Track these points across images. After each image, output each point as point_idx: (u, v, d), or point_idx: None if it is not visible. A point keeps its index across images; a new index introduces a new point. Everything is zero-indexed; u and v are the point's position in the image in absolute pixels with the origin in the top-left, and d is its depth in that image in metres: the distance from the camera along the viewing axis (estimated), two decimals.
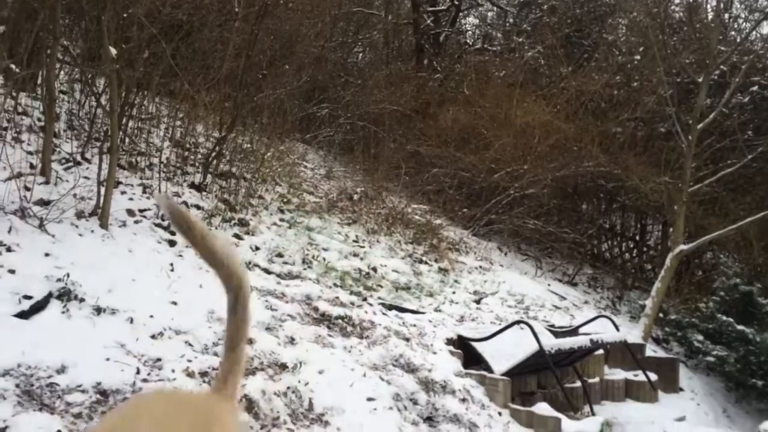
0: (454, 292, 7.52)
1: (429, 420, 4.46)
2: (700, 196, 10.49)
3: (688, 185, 9.55)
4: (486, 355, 5.74)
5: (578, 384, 6.47)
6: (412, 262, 8.09)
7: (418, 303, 6.86)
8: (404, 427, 4.25)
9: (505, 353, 5.73)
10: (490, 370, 5.57)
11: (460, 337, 5.99)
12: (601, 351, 7.07)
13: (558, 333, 6.65)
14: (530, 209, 10.91)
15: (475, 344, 5.87)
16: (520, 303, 8.02)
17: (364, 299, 6.27)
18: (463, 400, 4.89)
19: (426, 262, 8.28)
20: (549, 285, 9.53)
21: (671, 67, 10.63)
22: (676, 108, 10.01)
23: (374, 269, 7.35)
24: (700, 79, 9.80)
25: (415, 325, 6.01)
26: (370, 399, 4.40)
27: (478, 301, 7.47)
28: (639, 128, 12.39)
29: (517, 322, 6.02)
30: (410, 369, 5.05)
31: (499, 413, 5.03)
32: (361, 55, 18.46)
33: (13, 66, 5.19)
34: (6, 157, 5.46)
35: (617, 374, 7.44)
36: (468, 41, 18.10)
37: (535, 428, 5.01)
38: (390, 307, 6.30)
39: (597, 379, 7.04)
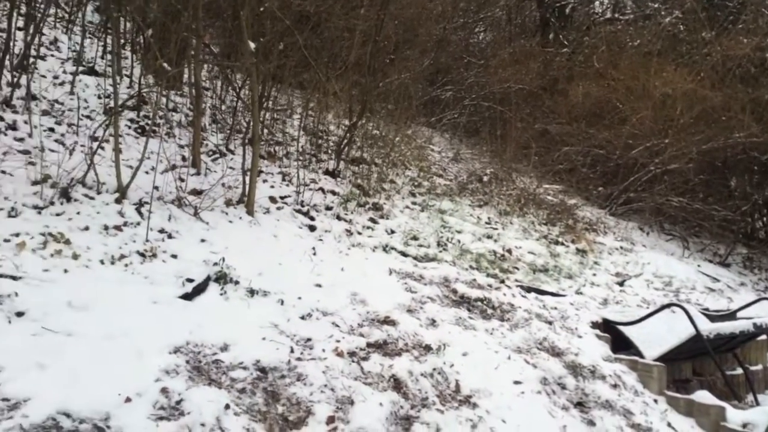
0: (594, 274, 7.23)
1: (579, 405, 4.32)
2: None
3: None
4: (635, 339, 5.45)
5: (739, 371, 6.01)
6: (548, 244, 7.87)
7: (557, 285, 6.66)
8: (554, 412, 4.14)
9: (656, 338, 5.42)
10: (640, 355, 5.29)
11: (606, 321, 5.74)
12: (764, 336, 6.52)
13: (714, 317, 6.19)
14: (673, 186, 10.22)
15: (622, 328, 5.60)
16: (668, 285, 7.57)
17: (502, 281, 6.18)
18: (615, 386, 4.69)
19: (562, 243, 8.02)
20: (699, 266, 8.92)
21: None
22: None
23: (509, 251, 7.22)
24: None
25: (556, 308, 5.84)
26: (516, 382, 4.32)
27: (621, 284, 7.13)
28: None
29: (670, 305, 5.67)
30: (555, 353, 4.91)
31: (655, 400, 4.78)
32: (482, 34, 18.09)
33: (165, 65, 5.55)
34: (163, 150, 5.87)
35: None
36: (597, 11, 17.22)
37: (695, 417, 4.70)
38: (529, 290, 6.16)
39: (759, 367, 6.50)
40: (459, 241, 7.01)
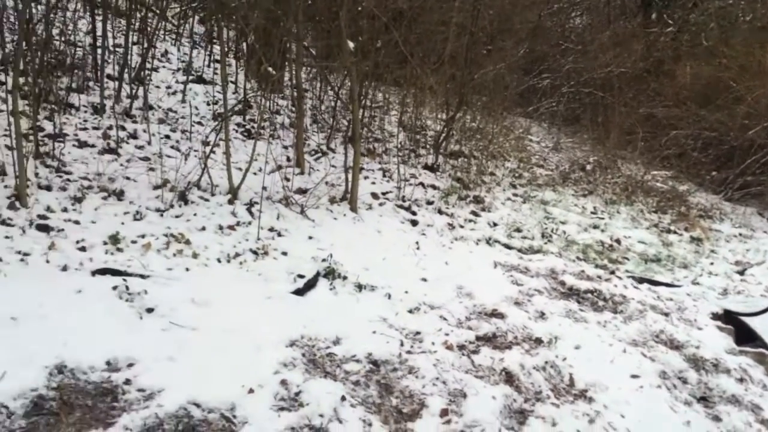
0: (711, 263, 6.84)
1: (703, 400, 4.10)
2: None
3: None
4: (761, 331, 5.11)
5: None
6: (659, 232, 7.52)
7: (671, 275, 6.35)
8: (676, 407, 3.95)
9: None
10: (767, 347, 4.96)
11: (728, 312, 5.41)
12: None
13: None
14: None
15: (746, 319, 5.27)
16: None
17: (612, 272, 5.96)
18: (741, 380, 4.41)
19: (675, 232, 7.64)
20: None
21: None
22: None
23: (617, 241, 6.95)
24: None
25: (671, 299, 5.57)
26: (634, 376, 4.16)
27: (741, 272, 6.70)
28: None
29: None
30: (674, 345, 4.68)
31: None
32: (579, 18, 17.48)
33: (270, 69, 5.75)
34: (270, 152, 6.09)
35: None
36: None
37: None
38: (641, 280, 5.92)
39: None
40: (564, 232, 6.83)
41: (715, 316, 5.34)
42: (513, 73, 11.86)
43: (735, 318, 5.32)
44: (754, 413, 4.08)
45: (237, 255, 4.54)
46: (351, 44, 6.09)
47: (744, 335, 5.18)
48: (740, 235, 7.95)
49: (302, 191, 5.99)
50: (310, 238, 5.22)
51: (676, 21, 14.12)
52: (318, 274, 4.61)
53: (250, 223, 5.03)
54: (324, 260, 4.76)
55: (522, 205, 7.47)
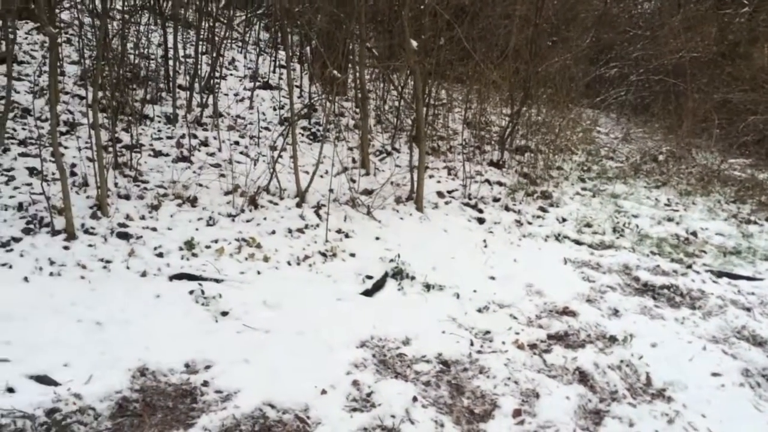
0: None
1: None
2: None
3: None
4: None
5: None
6: (738, 223, 7.19)
7: (753, 268, 6.06)
8: (760, 406, 3.78)
9: None
10: None
11: None
12: None
13: None
14: None
15: None
16: None
17: (689, 266, 5.75)
18: None
19: (756, 222, 7.29)
20: None
21: None
22: None
23: (694, 234, 6.69)
24: None
25: (753, 294, 5.33)
26: (715, 374, 4.00)
27: None
28: None
29: None
30: (757, 342, 4.48)
31: None
32: (647, 3, 16.91)
33: (335, 72, 5.83)
34: (336, 154, 6.18)
35: None
36: None
37: None
38: (720, 274, 5.68)
39: None
40: (636, 226, 6.63)
41: None
42: (579, 64, 11.60)
43: None
44: None
45: (306, 257, 4.63)
46: (414, 43, 6.10)
47: None
48: None
49: (368, 192, 6.05)
50: (377, 238, 5.27)
51: (752, 1, 13.45)
52: (386, 274, 4.65)
53: (317, 225, 5.12)
54: (391, 260, 4.79)
55: (591, 199, 7.29)
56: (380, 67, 8.51)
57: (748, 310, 5.00)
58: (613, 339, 4.26)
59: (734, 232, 6.92)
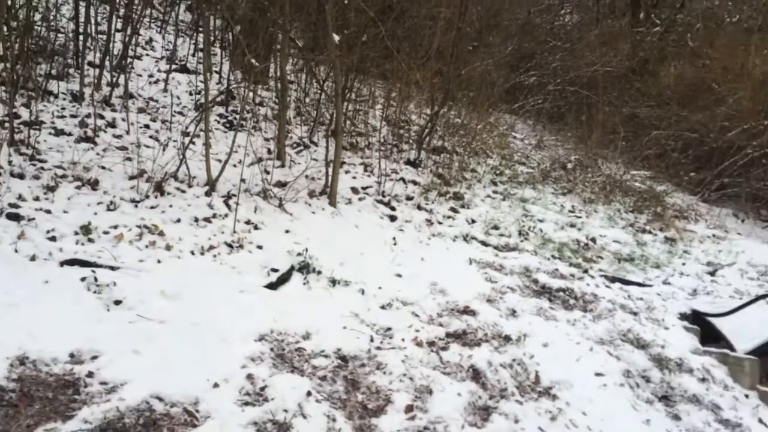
0: (684, 264, 6.93)
1: (665, 399, 4.18)
2: None
3: None
4: (726, 332, 5.21)
5: None
6: (635, 232, 7.61)
7: (644, 275, 6.44)
8: (637, 405, 4.03)
9: (749, 330, 5.15)
10: (731, 348, 5.05)
11: (696, 312, 5.50)
12: None
13: None
14: None
15: (713, 320, 5.36)
16: (763, 275, 7.14)
17: (585, 271, 6.04)
18: (703, 379, 4.50)
19: (650, 232, 7.73)
20: None
21: None
22: None
23: (593, 240, 7.03)
24: None
25: (642, 299, 5.66)
26: (598, 374, 4.24)
27: (712, 273, 6.80)
28: None
29: (764, 296, 5.38)
30: (640, 345, 4.76)
31: (746, 395, 4.55)
32: (568, 17, 17.55)
33: (253, 60, 5.75)
34: (250, 144, 6.10)
35: None
36: None
37: None
38: (613, 280, 6.00)
39: None
40: (541, 230, 6.90)
41: (683, 316, 5.43)
42: (500, 70, 11.91)
43: (702, 318, 5.42)
44: (714, 413, 4.17)
45: (212, 247, 4.56)
46: (336, 37, 6.10)
47: (710, 336, 5.28)
48: (714, 236, 8.05)
49: (282, 184, 6.01)
50: (287, 231, 5.25)
51: (663, 21, 14.21)
52: (292, 268, 4.64)
53: (226, 215, 5.05)
54: (299, 254, 4.79)
55: (501, 202, 7.53)
56: (303, 59, 8.46)
57: (635, 314, 5.30)
58: (507, 338, 4.43)
59: (630, 240, 7.32)
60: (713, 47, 10.98)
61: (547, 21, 15.45)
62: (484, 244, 6.24)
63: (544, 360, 4.27)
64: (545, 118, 12.96)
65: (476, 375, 3.94)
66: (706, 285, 6.50)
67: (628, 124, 11.18)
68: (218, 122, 6.92)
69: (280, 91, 6.68)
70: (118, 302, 3.54)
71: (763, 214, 9.99)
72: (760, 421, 4.35)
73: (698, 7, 13.31)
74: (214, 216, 4.97)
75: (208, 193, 5.24)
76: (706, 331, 5.33)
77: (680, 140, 10.62)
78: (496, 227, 6.69)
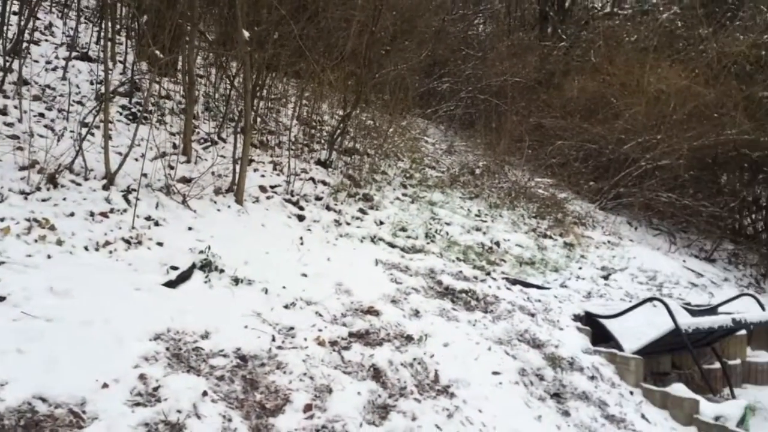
0: (580, 268, 7.29)
1: (556, 396, 4.38)
2: None
3: None
4: (615, 332, 5.52)
5: (717, 365, 6.08)
6: (536, 237, 7.92)
7: (543, 278, 6.72)
8: (530, 402, 4.21)
9: (636, 331, 5.49)
10: (620, 348, 5.36)
11: (588, 314, 5.80)
12: (743, 331, 6.59)
13: (695, 311, 6.26)
14: (663, 181, 10.26)
15: (604, 321, 5.67)
16: (652, 279, 7.63)
17: (488, 274, 6.23)
18: (592, 377, 4.76)
19: (551, 237, 8.07)
20: (684, 261, 8.98)
21: None
22: None
23: (497, 244, 7.27)
24: None
25: (540, 301, 5.90)
26: (495, 373, 4.39)
27: (606, 277, 7.19)
28: None
29: (650, 299, 5.74)
30: (536, 344, 4.97)
31: (631, 392, 4.85)
32: (482, 26, 18.06)
33: (157, 52, 5.57)
34: (152, 138, 5.90)
35: (762, 356, 6.92)
36: (596, 6, 17.19)
37: (669, 409, 4.78)
38: (514, 282, 6.22)
39: (738, 361, 6.59)
40: (447, 233, 7.05)
41: (577, 318, 5.71)
42: (414, 75, 12.10)
43: (594, 320, 5.71)
44: (601, 409, 4.41)
45: (107, 243, 4.38)
46: (246, 33, 6.01)
47: (601, 336, 5.57)
48: (609, 242, 8.50)
49: (186, 180, 5.85)
50: (190, 229, 5.12)
51: (569, 36, 14.89)
52: (194, 266, 4.52)
53: (125, 210, 4.86)
54: (202, 252, 4.68)
55: (410, 205, 7.64)
56: (213, 53, 8.28)
57: (533, 315, 5.52)
58: (410, 338, 4.50)
59: (532, 244, 7.61)
60: (613, 64, 11.58)
61: (461, 30, 15.82)
62: (391, 245, 6.31)
63: (444, 359, 4.37)
64: (457, 124, 13.26)
65: (377, 374, 3.98)
66: (599, 288, 6.85)
67: (534, 133, 11.61)
68: (121, 114, 6.65)
69: (187, 84, 6.50)
70: (1, 299, 3.33)
71: (654, 223, 10.64)
72: (643, 416, 4.64)
73: (600, 25, 14.00)
74: (112, 211, 4.78)
75: (105, 187, 5.03)
76: (597, 331, 5.63)
77: (581, 151, 11.13)
78: (403, 229, 6.79)
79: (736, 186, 11.36)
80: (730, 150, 10.61)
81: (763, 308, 6.57)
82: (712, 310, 6.59)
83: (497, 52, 14.01)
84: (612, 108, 10.98)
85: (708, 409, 4.70)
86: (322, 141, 8.45)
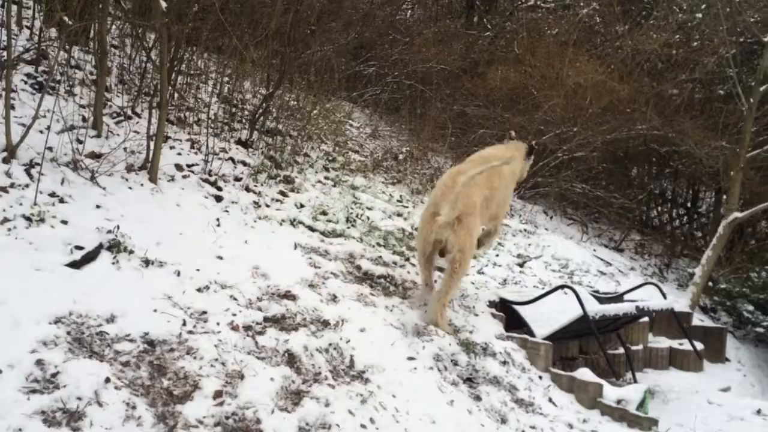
0: (497, 255, 7.45)
1: (468, 381, 4.47)
2: (759, 162, 10.06)
3: (747, 150, 9.15)
4: (528, 318, 5.69)
5: (621, 351, 6.38)
6: None
7: None
8: (443, 387, 4.27)
9: (548, 317, 5.67)
10: (532, 333, 5.53)
11: (503, 300, 5.95)
12: (646, 318, 6.94)
13: (602, 299, 6.54)
14: (578, 173, 10.65)
15: (517, 307, 5.82)
16: (564, 267, 7.90)
17: (407, 259, 6.27)
18: (504, 362, 4.88)
19: None
20: (595, 250, 9.36)
21: (735, 25, 10.10)
22: (738, 69, 9.53)
23: (417, 229, 7.31)
24: (766, 39, 9.28)
25: None
26: (410, 358, 4.42)
27: (521, 265, 7.38)
28: (697, 90, 11.89)
29: (561, 287, 5.94)
30: (452, 330, 5.04)
31: (540, 377, 5.01)
32: (410, 12, 18.08)
33: (66, 18, 5.24)
34: (59, 109, 5.56)
35: (662, 342, 7.32)
36: None
37: (575, 393, 4.97)
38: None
39: (641, 347, 6.94)
40: (368, 218, 7.05)
41: (492, 304, 5.84)
42: (341, 57, 11.98)
43: (508, 306, 5.86)
44: (511, 393, 4.53)
45: (6, 220, 4.11)
46: (163, 3, 5.74)
47: (514, 322, 5.72)
48: (525, 230, 8.74)
49: (96, 156, 5.56)
50: (98, 207, 4.87)
51: (494, 27, 15.13)
52: (101, 246, 4.31)
53: (27, 186, 4.57)
54: (110, 232, 4.46)
55: (332, 188, 7.58)
56: (129, 23, 7.90)
57: (450, 301, 5.58)
58: (326, 323, 4.47)
59: None
60: (534, 56, 11.86)
61: (388, 14, 15.78)
62: (311, 229, 6.24)
63: (360, 345, 4.37)
64: (383, 108, 13.25)
65: (291, 360, 3.93)
66: (515, 275, 7.03)
67: (458, 121, 11.76)
68: (25, 83, 6.24)
69: (99, 55, 6.17)
70: None
71: (569, 212, 11.03)
72: (550, 400, 4.80)
73: (524, 17, 14.29)
74: (12, 186, 4.48)
75: (6, 160, 4.71)
76: (511, 317, 5.78)
77: (503, 140, 11.34)
78: (324, 213, 6.73)
79: (645, 179, 11.91)
80: (640, 144, 11.11)
81: (664, 296, 6.94)
82: (618, 298, 6.90)
83: (424, 38, 14.07)
84: (532, 99, 11.25)
85: (611, 393, 4.92)
86: (244, 120, 8.24)
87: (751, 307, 8.43)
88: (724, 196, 10.38)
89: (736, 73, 9.41)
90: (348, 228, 6.58)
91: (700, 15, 12.48)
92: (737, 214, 9.02)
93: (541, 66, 11.43)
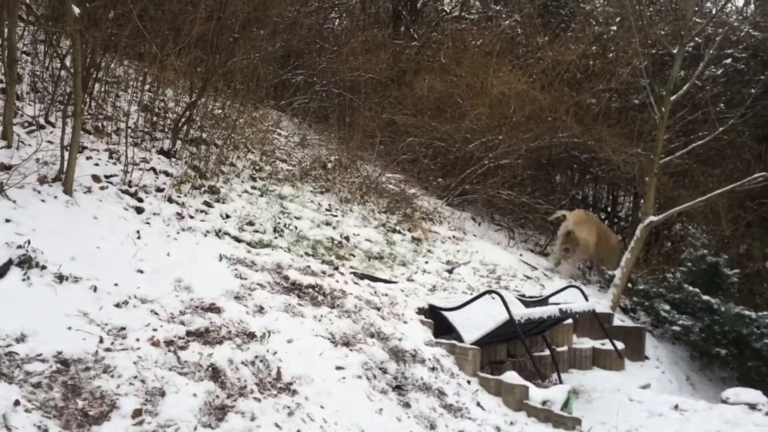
0: (426, 262, 7.51)
1: (398, 389, 4.47)
2: (671, 168, 10.57)
3: (660, 157, 9.59)
4: (457, 324, 5.75)
5: (547, 353, 6.54)
6: (386, 232, 8.06)
7: (391, 272, 6.84)
8: (372, 396, 4.25)
9: (476, 323, 5.76)
10: (460, 339, 5.59)
11: (432, 307, 5.99)
12: (570, 320, 7.15)
13: (528, 302, 6.69)
14: (504, 180, 10.88)
15: (446, 314, 5.88)
16: (492, 273, 8.05)
17: (336, 268, 6.23)
18: (433, 368, 4.91)
19: (399, 232, 8.25)
20: (521, 255, 9.58)
21: (647, 38, 10.59)
22: (651, 79, 9.99)
23: (347, 238, 7.30)
24: (675, 51, 9.78)
25: (386, 295, 6.00)
26: (339, 368, 4.38)
27: (450, 271, 7.47)
28: (613, 99, 12.37)
29: (488, 292, 6.04)
30: (381, 338, 5.04)
31: (468, 381, 5.06)
32: (337, 20, 18.11)
33: None
34: None
35: (585, 343, 7.54)
36: (446, 9, 17.84)
37: (503, 396, 5.06)
38: (362, 277, 6.27)
39: (565, 348, 7.13)
40: (296, 228, 6.97)
41: (421, 311, 5.88)
42: (268, 65, 11.85)
43: (437, 312, 5.91)
44: (440, 399, 4.56)
45: None
46: (76, 9, 5.53)
47: (443, 328, 5.78)
48: (454, 237, 8.86)
49: (5, 167, 5.28)
50: (8, 221, 4.62)
51: (421, 37, 15.32)
52: (10, 262, 4.09)
53: None
54: (20, 247, 4.24)
55: (259, 198, 7.46)
56: (42, 29, 7.57)
57: (379, 309, 5.59)
58: (252, 335, 4.38)
59: (381, 239, 7.74)
60: (460, 66, 12.09)
61: (315, 22, 15.74)
62: (237, 240, 6.12)
63: (287, 356, 4.31)
64: (311, 117, 13.18)
65: (216, 374, 3.83)
66: (444, 282, 7.11)
67: (386, 130, 11.82)
68: None
69: (7, 61, 5.88)
70: None
71: (496, 219, 11.26)
72: (479, 404, 4.87)
73: (449, 28, 14.54)
74: None
75: None
76: (440, 324, 5.83)
77: (431, 148, 11.50)
78: (251, 223, 6.61)
79: (567, 185, 12.31)
80: (562, 152, 11.47)
81: (586, 299, 7.16)
82: (543, 301, 7.07)
83: (351, 47, 14.10)
84: (459, 108, 11.44)
85: (536, 395, 5.03)
86: (166, 129, 8.01)
87: (667, 307, 8.80)
88: (641, 201, 10.85)
89: (648, 84, 9.86)
90: (275, 238, 6.49)
91: (614, 28, 13.02)
92: (653, 218, 9.42)
93: (467, 75, 11.66)
